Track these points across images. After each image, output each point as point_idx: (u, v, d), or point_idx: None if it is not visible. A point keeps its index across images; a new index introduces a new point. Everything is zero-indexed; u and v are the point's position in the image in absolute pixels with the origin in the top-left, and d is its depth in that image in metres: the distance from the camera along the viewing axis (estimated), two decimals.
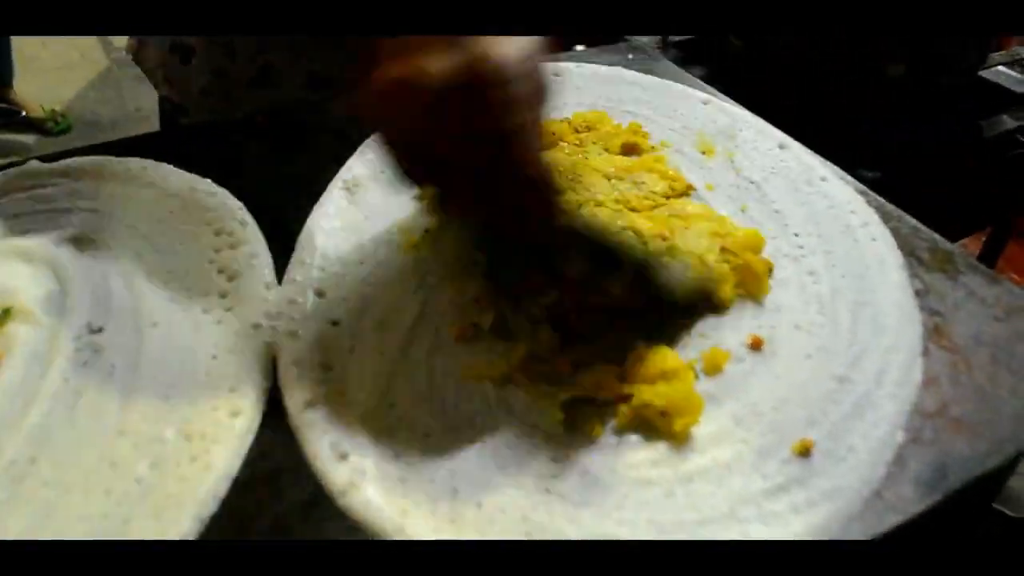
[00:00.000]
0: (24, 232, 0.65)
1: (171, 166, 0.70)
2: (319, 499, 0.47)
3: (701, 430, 0.51)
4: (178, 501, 0.46)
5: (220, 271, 0.61)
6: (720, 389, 0.53)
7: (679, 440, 0.50)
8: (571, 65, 0.86)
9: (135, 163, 0.71)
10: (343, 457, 0.48)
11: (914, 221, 0.68)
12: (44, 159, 0.72)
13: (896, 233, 0.66)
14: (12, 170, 0.71)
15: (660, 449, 0.50)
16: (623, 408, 0.51)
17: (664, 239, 0.62)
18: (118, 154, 0.71)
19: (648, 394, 0.50)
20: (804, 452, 0.49)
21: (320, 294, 0.59)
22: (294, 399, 0.51)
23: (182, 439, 0.49)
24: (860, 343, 0.57)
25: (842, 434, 0.51)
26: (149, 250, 0.63)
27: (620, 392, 0.52)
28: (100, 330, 0.57)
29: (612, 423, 0.51)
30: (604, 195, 0.66)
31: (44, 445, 0.49)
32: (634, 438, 0.50)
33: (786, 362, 0.55)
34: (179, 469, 0.48)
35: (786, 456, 0.49)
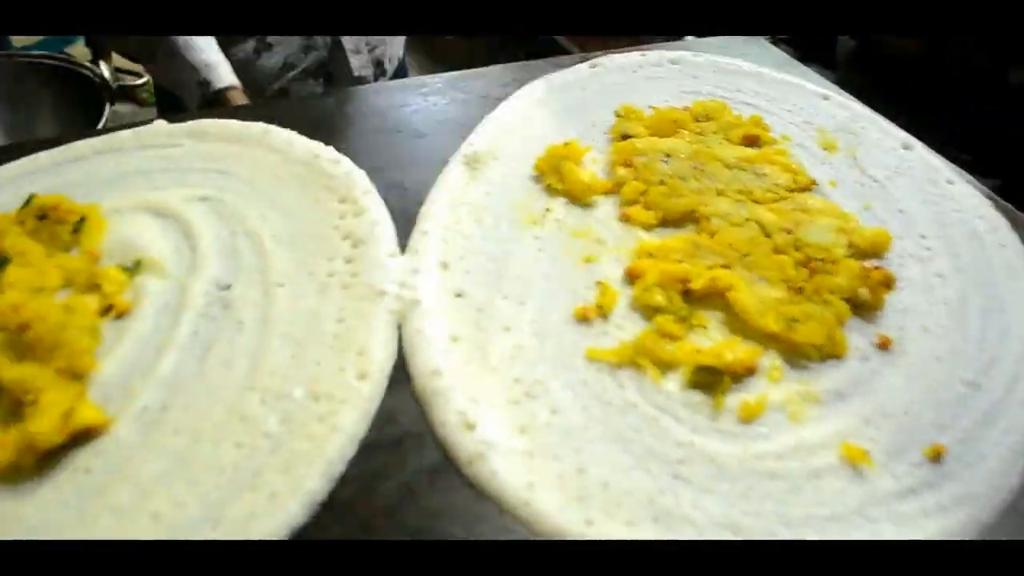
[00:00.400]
0: (153, 189, 0.66)
1: (294, 132, 0.71)
2: (445, 467, 0.47)
3: (828, 427, 0.50)
4: (308, 459, 0.47)
5: (345, 237, 0.61)
6: (847, 386, 0.52)
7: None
8: (687, 54, 0.85)
9: (257, 127, 0.72)
10: (470, 427, 0.48)
11: None
12: (170, 120, 0.73)
13: None
14: (141, 128, 0.73)
15: (787, 442, 0.49)
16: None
17: (788, 232, 0.61)
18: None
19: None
20: (935, 456, 0.48)
21: (444, 266, 0.59)
22: (421, 367, 0.52)
23: (310, 398, 0.50)
24: (990, 349, 0.55)
25: (973, 440, 0.50)
26: (274, 212, 0.64)
27: (748, 364, 0.51)
28: (228, 287, 0.58)
29: (734, 407, 0.50)
30: (725, 184, 0.66)
31: (175, 394, 0.51)
32: (762, 429, 0.49)
33: (915, 364, 0.54)
34: (308, 428, 0.48)
35: (917, 459, 0.48)
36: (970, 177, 0.70)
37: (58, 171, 0.69)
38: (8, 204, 0.63)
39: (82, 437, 0.48)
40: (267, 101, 1.00)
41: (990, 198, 0.68)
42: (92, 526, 0.44)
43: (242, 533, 0.43)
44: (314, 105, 0.81)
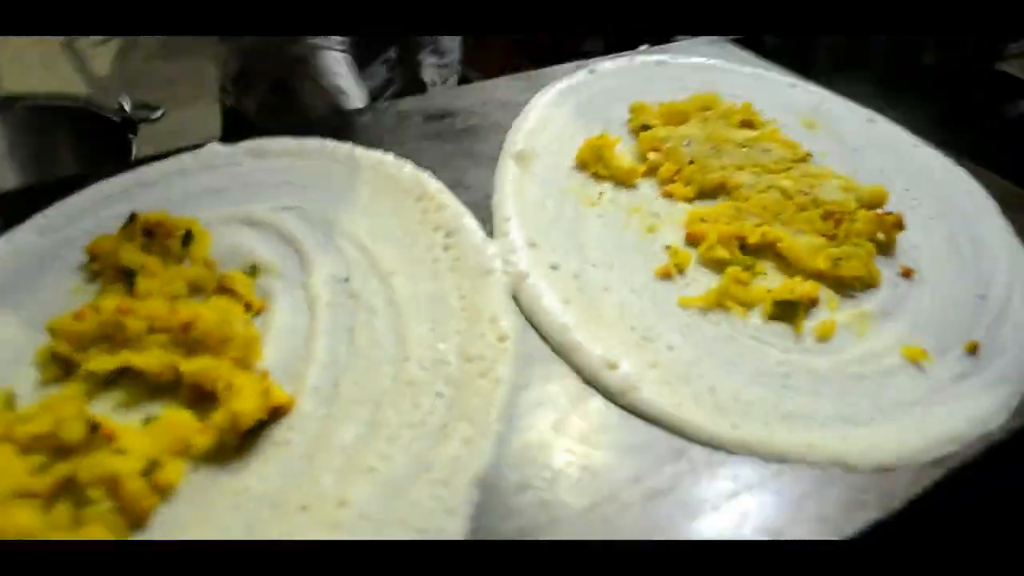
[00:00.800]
0: (233, 204, 0.71)
1: (351, 144, 0.77)
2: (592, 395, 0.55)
3: (886, 337, 0.61)
4: (482, 409, 0.54)
5: (435, 229, 0.68)
6: (889, 307, 0.64)
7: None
8: (666, 57, 0.96)
9: (313, 142, 0.78)
10: (613, 367, 0.56)
11: (992, 174, 0.80)
12: (223, 142, 0.78)
13: (984, 186, 0.78)
14: (199, 151, 0.77)
15: (859, 352, 0.60)
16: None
17: (806, 194, 0.73)
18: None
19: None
20: (972, 350, 0.60)
21: (532, 245, 0.67)
22: (549, 326, 0.59)
23: (464, 360, 0.57)
24: (985, 270, 0.68)
25: (994, 337, 0.62)
26: (358, 214, 0.70)
27: (812, 296, 0.62)
28: (347, 280, 0.64)
29: (811, 331, 0.61)
30: (742, 160, 0.77)
31: (340, 373, 0.56)
32: (837, 344, 0.60)
33: (934, 285, 0.67)
34: (473, 384, 0.55)
35: (958, 353, 0.60)
36: (927, 142, 0.84)
37: (130, 195, 0.72)
38: (93, 229, 0.67)
39: (271, 416, 0.52)
40: None
41: (949, 156, 0.82)
42: (315, 485, 0.49)
43: (452, 474, 0.49)
44: (347, 119, 0.87)
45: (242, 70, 1.15)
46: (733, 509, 0.48)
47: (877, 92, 0.90)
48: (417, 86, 1.22)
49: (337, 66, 1.05)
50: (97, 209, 0.71)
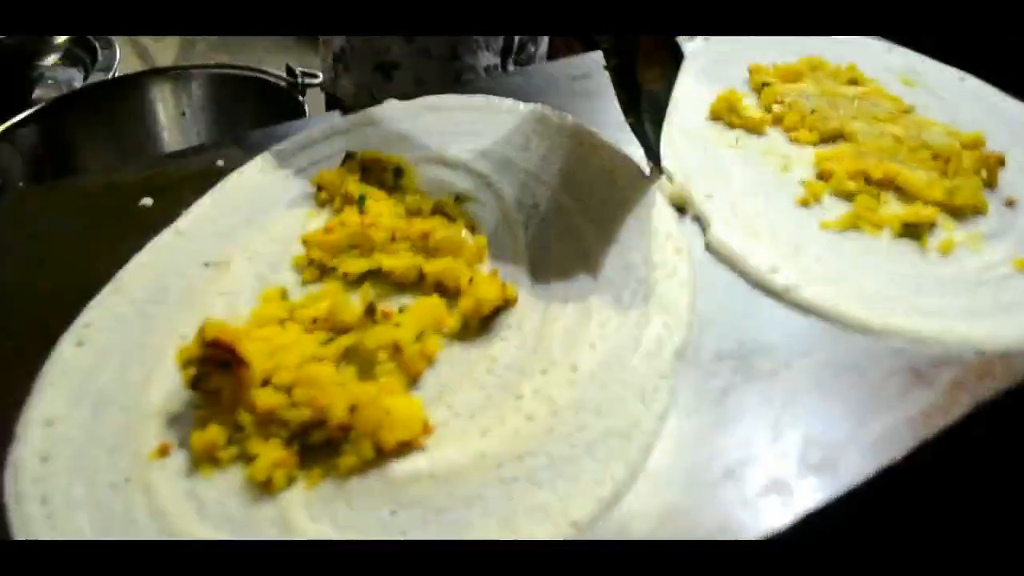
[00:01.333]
0: (425, 148, 0.83)
1: (512, 100, 0.89)
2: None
3: (998, 253, 0.72)
4: (673, 301, 0.65)
5: (600, 166, 0.80)
6: (998, 229, 0.75)
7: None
8: None
9: (479, 98, 0.90)
10: (775, 271, 0.68)
11: None
12: (400, 99, 0.90)
13: None
14: (381, 107, 0.89)
15: (977, 264, 0.71)
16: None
17: (915, 139, 0.84)
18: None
19: None
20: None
21: (687, 177, 0.78)
22: (718, 240, 0.71)
23: (648, 267, 0.68)
24: None
25: None
26: (532, 154, 0.82)
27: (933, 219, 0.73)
28: (536, 205, 0.75)
29: (934, 247, 0.72)
30: (855, 111, 0.88)
31: (549, 275, 0.68)
32: (958, 256, 0.71)
33: None
34: (662, 281, 0.67)
35: None
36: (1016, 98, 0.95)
37: (331, 143, 0.84)
38: (307, 167, 0.79)
39: (503, 305, 0.64)
40: None
41: None
42: (548, 355, 0.60)
43: (659, 348, 0.61)
44: (501, 81, 0.99)
45: (344, 48, 1.21)
46: (890, 380, 0.59)
47: (963, 55, 1.01)
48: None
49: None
50: (305, 152, 0.83)
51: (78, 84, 1.44)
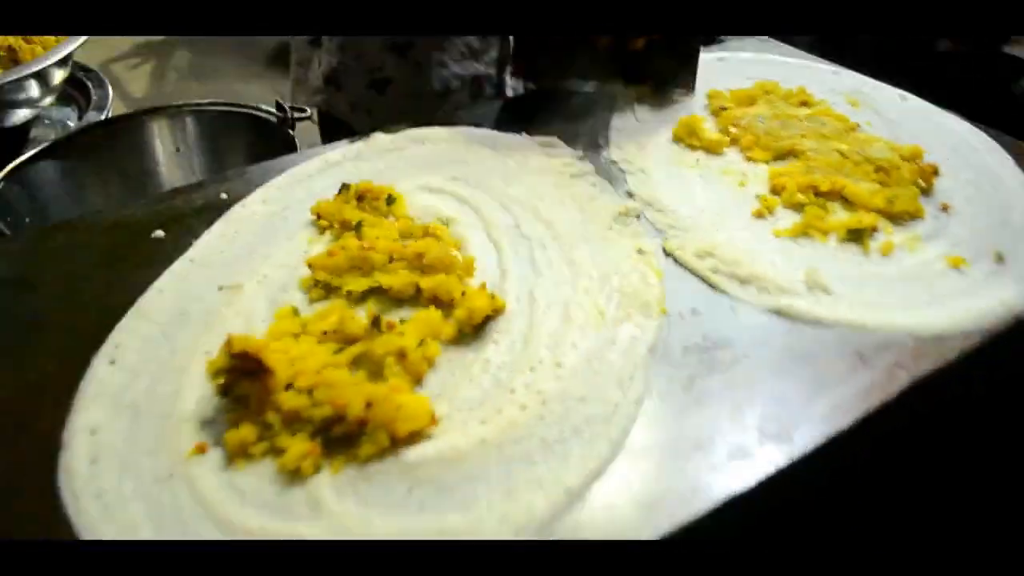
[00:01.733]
0: (412, 178, 0.91)
1: (489, 130, 0.97)
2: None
3: (933, 252, 0.81)
4: (647, 303, 0.73)
5: (575, 181, 0.88)
6: (933, 232, 0.83)
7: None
8: (726, 54, 1.17)
9: (462, 129, 0.98)
10: (733, 275, 0.76)
11: (1005, 135, 1.00)
12: (386, 132, 0.98)
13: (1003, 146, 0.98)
14: (368, 139, 0.96)
15: (914, 262, 0.79)
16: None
17: (859, 154, 0.93)
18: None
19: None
20: (999, 259, 0.80)
21: (651, 197, 0.86)
22: (683, 249, 0.79)
23: (622, 274, 0.76)
24: (1004, 206, 0.88)
25: (1014, 250, 0.81)
26: (513, 179, 0.90)
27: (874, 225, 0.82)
28: (517, 225, 0.83)
29: (876, 249, 0.80)
30: (805, 131, 0.97)
31: (532, 286, 0.75)
32: (896, 257, 0.80)
33: (967, 217, 0.86)
34: (636, 287, 0.74)
35: (989, 262, 0.80)
36: (956, 114, 1.04)
37: (328, 174, 0.92)
38: (304, 198, 0.87)
39: (493, 314, 0.71)
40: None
41: (973, 123, 1.02)
42: (536, 356, 0.67)
43: (632, 345, 0.69)
44: (477, 112, 1.07)
45: (336, 69, 1.22)
46: (837, 363, 0.67)
47: (904, 76, 1.11)
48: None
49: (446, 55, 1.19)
50: (302, 184, 0.90)
51: (72, 123, 1.50)
